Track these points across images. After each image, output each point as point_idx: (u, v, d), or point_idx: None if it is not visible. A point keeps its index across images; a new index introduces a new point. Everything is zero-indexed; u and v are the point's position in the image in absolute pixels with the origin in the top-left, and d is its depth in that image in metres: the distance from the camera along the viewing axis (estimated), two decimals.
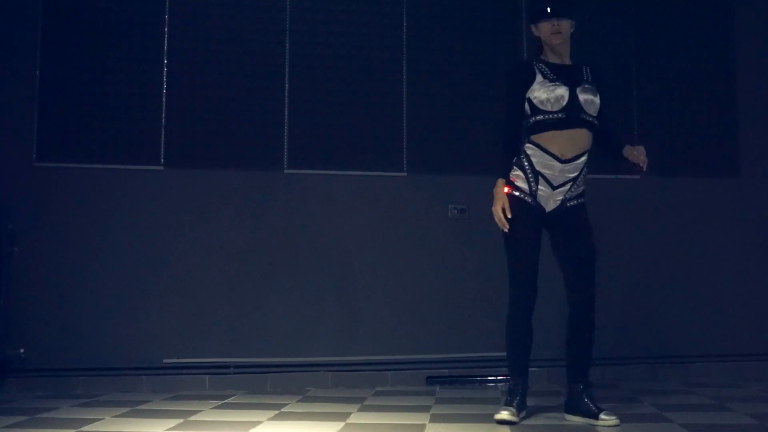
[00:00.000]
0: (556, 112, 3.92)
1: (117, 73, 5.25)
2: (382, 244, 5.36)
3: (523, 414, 3.95)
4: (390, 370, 5.26)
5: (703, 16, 5.81)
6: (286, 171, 5.34)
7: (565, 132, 3.91)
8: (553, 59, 4.07)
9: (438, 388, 5.06)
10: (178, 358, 5.11)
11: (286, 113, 5.35)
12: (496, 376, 5.23)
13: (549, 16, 4.02)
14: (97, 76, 5.23)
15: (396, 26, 5.52)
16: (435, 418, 4.06)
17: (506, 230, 3.92)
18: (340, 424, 3.87)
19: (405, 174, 5.41)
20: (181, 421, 3.98)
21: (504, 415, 3.83)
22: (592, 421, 3.86)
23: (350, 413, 4.19)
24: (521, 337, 3.97)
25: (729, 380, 5.33)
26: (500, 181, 4.00)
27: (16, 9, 5.19)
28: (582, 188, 4.04)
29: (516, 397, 3.93)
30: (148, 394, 4.88)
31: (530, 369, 4.02)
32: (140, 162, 5.22)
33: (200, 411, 4.28)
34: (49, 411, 4.25)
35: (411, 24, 5.53)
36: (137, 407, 4.40)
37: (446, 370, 5.22)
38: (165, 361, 5.10)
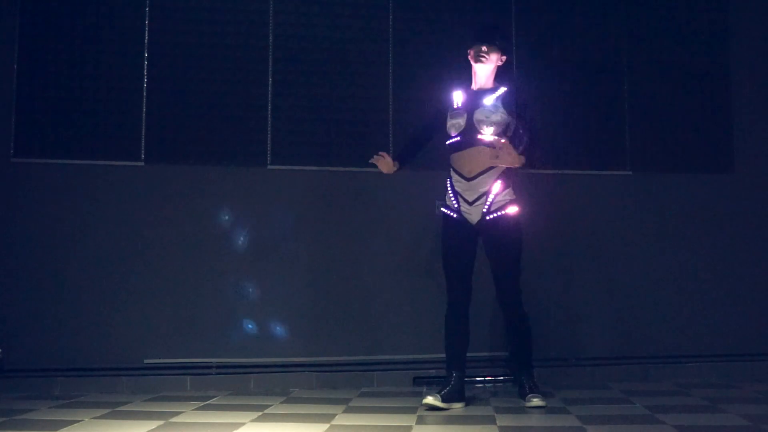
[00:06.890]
0: (455, 137, 4.48)
1: (97, 67, 5.19)
2: (367, 241, 5.32)
3: (460, 405, 4.35)
4: (376, 370, 5.22)
5: (696, 9, 5.77)
6: (269, 167, 5.29)
7: (465, 152, 4.43)
8: (474, 85, 4.58)
9: (425, 389, 4.99)
10: (159, 358, 5.06)
11: (270, 108, 5.31)
12: (484, 376, 5.20)
13: (479, 41, 4.53)
14: (77, 69, 5.17)
15: (382, 19, 5.47)
16: (422, 420, 4.04)
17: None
18: (325, 426, 3.85)
19: None
20: (161, 422, 3.95)
21: (429, 399, 4.25)
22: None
23: (335, 414, 4.17)
24: (456, 335, 4.45)
25: (722, 381, 5.30)
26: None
27: None
28: (503, 201, 4.39)
29: (447, 387, 4.35)
30: (128, 395, 4.85)
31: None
32: (120, 157, 5.16)
33: (182, 412, 4.26)
34: (26, 412, 4.22)
35: (397, 16, 5.48)
36: (117, 408, 4.38)
37: (433, 371, 5.16)
38: (146, 361, 5.06)
